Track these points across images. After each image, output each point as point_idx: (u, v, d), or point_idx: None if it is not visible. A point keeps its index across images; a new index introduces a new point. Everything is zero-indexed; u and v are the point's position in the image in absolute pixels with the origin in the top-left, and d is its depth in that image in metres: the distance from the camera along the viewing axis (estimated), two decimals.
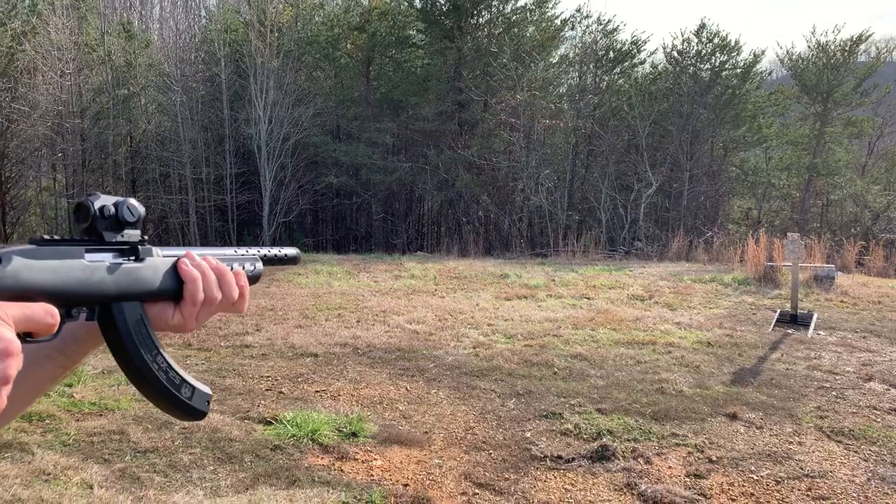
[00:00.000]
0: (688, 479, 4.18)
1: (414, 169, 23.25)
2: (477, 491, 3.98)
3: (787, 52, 23.89)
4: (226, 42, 23.60)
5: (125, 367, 0.82)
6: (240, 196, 23.96)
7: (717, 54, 22.40)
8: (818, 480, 4.18)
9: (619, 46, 23.56)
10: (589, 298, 10.46)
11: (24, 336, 0.66)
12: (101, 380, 5.71)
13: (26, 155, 22.77)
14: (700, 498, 3.93)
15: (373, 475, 4.14)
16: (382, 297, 10.42)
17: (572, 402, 5.54)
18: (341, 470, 4.18)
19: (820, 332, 8.24)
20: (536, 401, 5.61)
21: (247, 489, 3.79)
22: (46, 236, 0.73)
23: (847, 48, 22.15)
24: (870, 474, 4.28)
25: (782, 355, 7.17)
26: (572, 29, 24.34)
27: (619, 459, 4.42)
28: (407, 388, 5.91)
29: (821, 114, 22.59)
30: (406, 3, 25.34)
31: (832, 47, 22.32)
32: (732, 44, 22.27)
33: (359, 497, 3.79)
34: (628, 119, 22.10)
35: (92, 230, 0.79)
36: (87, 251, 0.77)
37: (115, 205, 0.79)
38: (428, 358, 6.92)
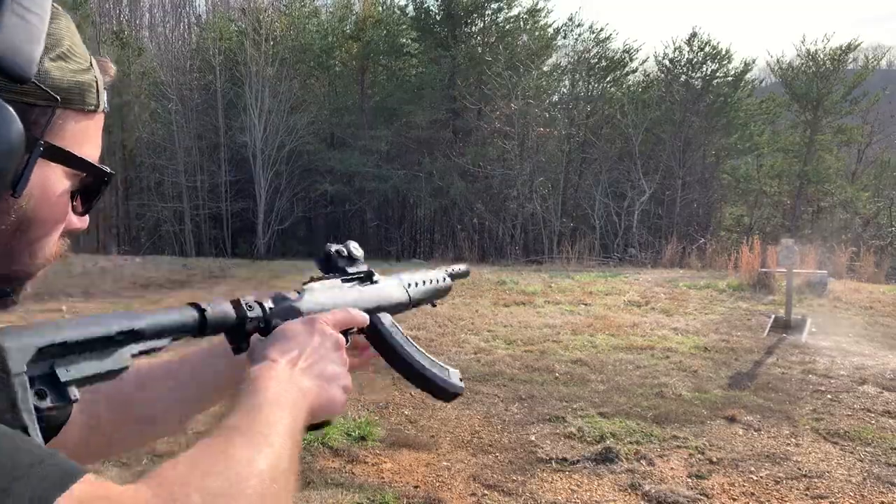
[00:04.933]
0: (690, 480, 4.29)
1: (408, 176, 23.36)
2: (486, 492, 4.09)
3: (778, 61, 24.13)
4: (220, 50, 23.70)
5: (393, 362, 0.99)
6: (234, 204, 24.00)
7: (709, 63, 22.64)
8: (816, 480, 4.30)
9: (611, 55, 23.79)
10: (586, 304, 10.58)
11: None
12: None
13: None
14: (702, 497, 4.05)
15: (384, 477, 4.24)
16: None
17: (574, 406, 5.65)
18: (353, 472, 4.28)
19: (814, 336, 8.39)
20: (539, 405, 5.72)
21: None
22: (313, 275, 0.95)
23: (836, 57, 22.39)
24: (865, 474, 4.40)
25: (778, 359, 7.30)
26: (565, 38, 24.61)
27: (622, 461, 4.54)
28: (411, 394, 6.00)
29: (811, 121, 22.83)
30: (399, 12, 25.52)
31: (821, 56, 22.56)
32: (724, 52, 22.52)
33: (372, 498, 3.89)
34: (621, 127, 22.28)
35: (334, 267, 0.98)
36: (343, 280, 0.96)
37: (345, 246, 0.99)
38: None
